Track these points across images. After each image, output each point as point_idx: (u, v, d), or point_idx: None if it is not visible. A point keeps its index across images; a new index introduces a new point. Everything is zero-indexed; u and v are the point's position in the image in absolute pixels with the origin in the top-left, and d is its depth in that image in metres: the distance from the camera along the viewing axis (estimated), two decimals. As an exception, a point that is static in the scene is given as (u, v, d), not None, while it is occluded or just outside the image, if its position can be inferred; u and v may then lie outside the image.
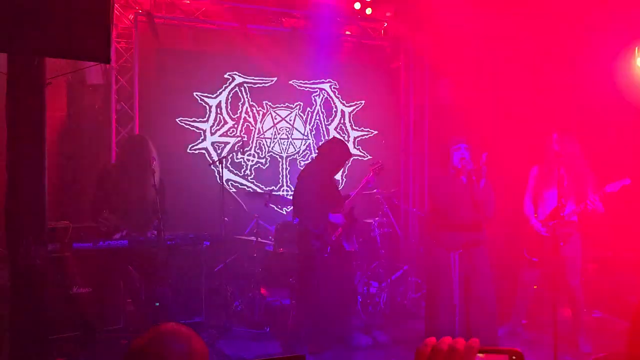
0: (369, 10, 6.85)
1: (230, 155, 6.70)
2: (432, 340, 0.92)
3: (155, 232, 3.88)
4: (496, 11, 6.01)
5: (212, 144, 6.80)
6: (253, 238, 5.54)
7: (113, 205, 3.96)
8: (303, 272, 4.62)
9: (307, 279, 4.53)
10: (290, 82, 7.19)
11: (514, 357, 0.90)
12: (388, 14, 7.03)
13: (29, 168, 2.37)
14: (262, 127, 7.04)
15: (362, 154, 7.56)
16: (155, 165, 3.82)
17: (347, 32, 7.33)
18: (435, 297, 4.13)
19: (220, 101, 6.84)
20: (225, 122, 6.87)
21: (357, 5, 6.77)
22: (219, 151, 6.80)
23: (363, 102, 7.55)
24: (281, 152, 7.15)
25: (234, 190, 6.73)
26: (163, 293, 3.98)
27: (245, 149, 6.79)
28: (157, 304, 3.84)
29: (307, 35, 6.93)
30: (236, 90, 6.92)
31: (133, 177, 3.95)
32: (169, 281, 3.95)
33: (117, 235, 3.91)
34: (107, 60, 2.19)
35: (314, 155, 6.95)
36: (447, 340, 0.91)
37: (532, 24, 6.03)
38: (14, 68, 2.21)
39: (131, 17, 6.10)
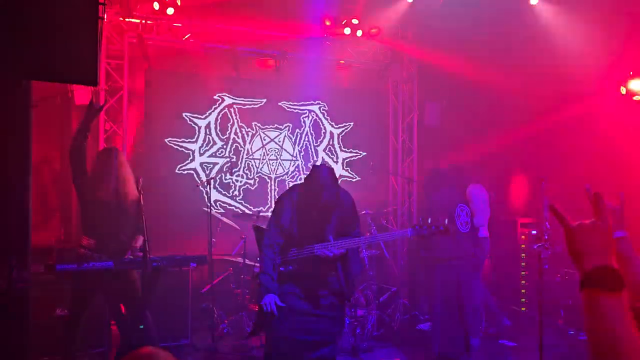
0: (359, 33, 6.95)
1: (219, 175, 6.71)
2: None
3: (141, 253, 3.83)
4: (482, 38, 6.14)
5: (201, 164, 6.80)
6: (240, 259, 5.51)
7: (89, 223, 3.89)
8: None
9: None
10: (280, 103, 7.25)
11: None
12: (373, 30, 7.03)
13: (13, 190, 2.35)
14: (251, 148, 7.07)
15: (350, 175, 7.59)
16: (140, 182, 3.75)
17: (336, 55, 7.40)
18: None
19: (209, 122, 6.86)
20: (214, 143, 6.88)
21: (347, 31, 6.87)
22: (207, 172, 6.80)
23: (352, 123, 7.61)
24: (270, 173, 7.17)
25: (222, 211, 6.71)
26: (148, 315, 3.92)
27: (234, 170, 6.80)
28: (142, 326, 3.78)
29: (296, 58, 7.01)
30: (225, 111, 6.95)
31: (108, 191, 3.86)
32: (154, 303, 3.89)
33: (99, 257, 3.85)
34: (95, 83, 2.20)
35: (302, 176, 6.98)
36: None
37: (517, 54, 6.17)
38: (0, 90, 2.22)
39: (121, 38, 6.14)
